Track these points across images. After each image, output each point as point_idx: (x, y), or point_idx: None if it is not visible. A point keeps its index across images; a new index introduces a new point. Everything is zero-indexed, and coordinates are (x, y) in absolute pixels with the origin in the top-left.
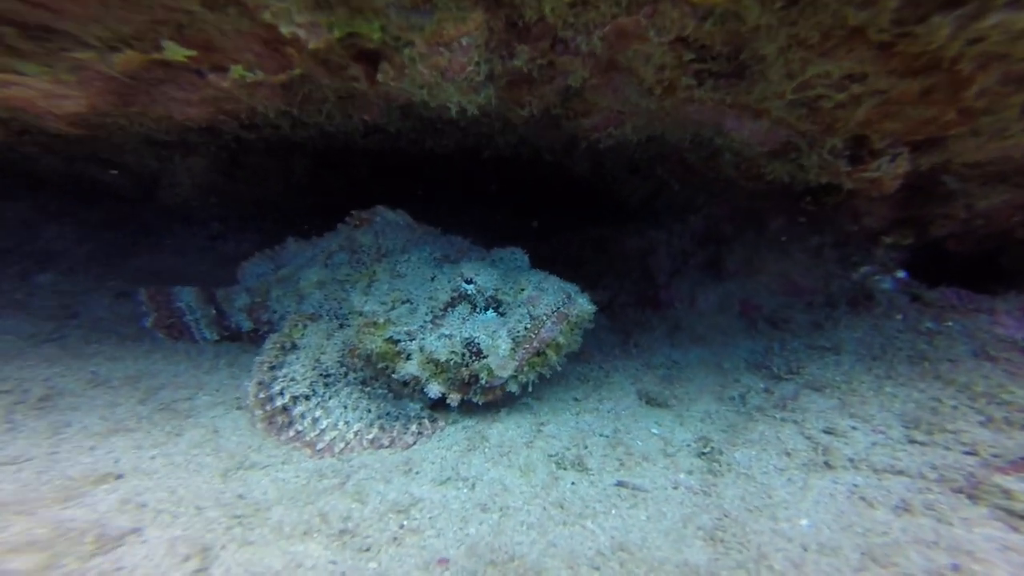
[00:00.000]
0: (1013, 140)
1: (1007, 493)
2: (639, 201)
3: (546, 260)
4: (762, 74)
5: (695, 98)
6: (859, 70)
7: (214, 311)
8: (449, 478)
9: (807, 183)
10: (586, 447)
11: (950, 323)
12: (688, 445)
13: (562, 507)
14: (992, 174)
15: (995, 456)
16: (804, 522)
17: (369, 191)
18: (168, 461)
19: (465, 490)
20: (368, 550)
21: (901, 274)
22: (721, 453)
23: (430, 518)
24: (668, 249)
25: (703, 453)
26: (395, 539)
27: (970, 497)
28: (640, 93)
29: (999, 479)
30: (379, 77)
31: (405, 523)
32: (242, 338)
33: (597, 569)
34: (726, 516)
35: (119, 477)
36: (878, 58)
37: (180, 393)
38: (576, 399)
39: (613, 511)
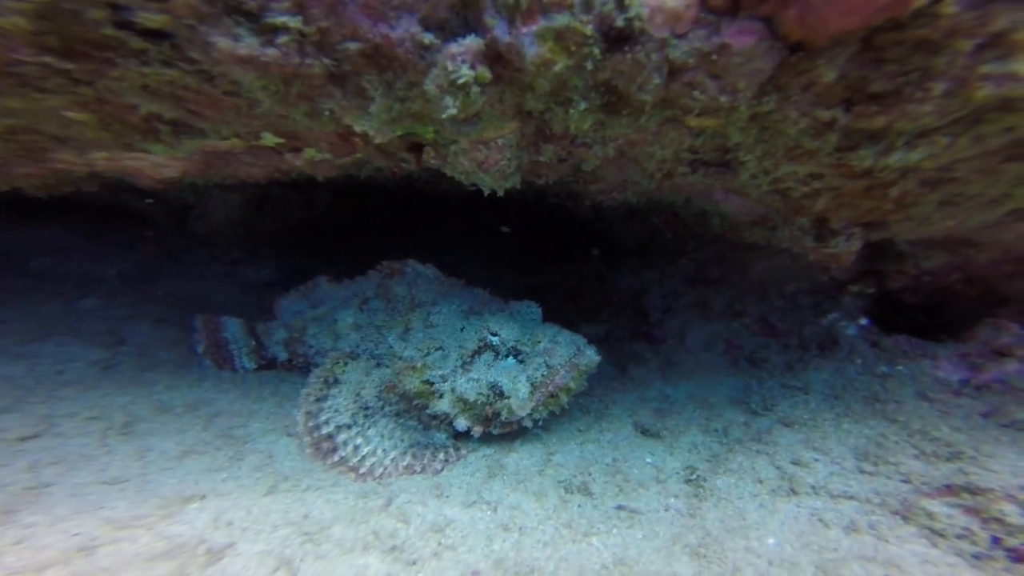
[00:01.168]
0: (935, 226)
1: (931, 515)
2: (635, 242)
3: (547, 289)
4: (744, 169)
5: (689, 181)
6: (818, 171)
7: (254, 342)
8: (475, 501)
9: (780, 248)
10: (590, 474)
11: (900, 367)
12: (677, 472)
13: (570, 527)
14: (931, 243)
15: (924, 484)
16: (771, 541)
17: (382, 221)
18: (239, 483)
19: (489, 512)
20: (415, 563)
21: (864, 321)
22: (705, 480)
23: (462, 536)
24: (660, 289)
25: (689, 480)
26: (435, 554)
27: (904, 518)
28: (642, 175)
29: (925, 503)
30: (424, 158)
31: (443, 540)
32: (276, 367)
33: None
34: (708, 535)
35: (203, 498)
36: (830, 166)
37: (235, 420)
38: (580, 430)
39: (614, 531)
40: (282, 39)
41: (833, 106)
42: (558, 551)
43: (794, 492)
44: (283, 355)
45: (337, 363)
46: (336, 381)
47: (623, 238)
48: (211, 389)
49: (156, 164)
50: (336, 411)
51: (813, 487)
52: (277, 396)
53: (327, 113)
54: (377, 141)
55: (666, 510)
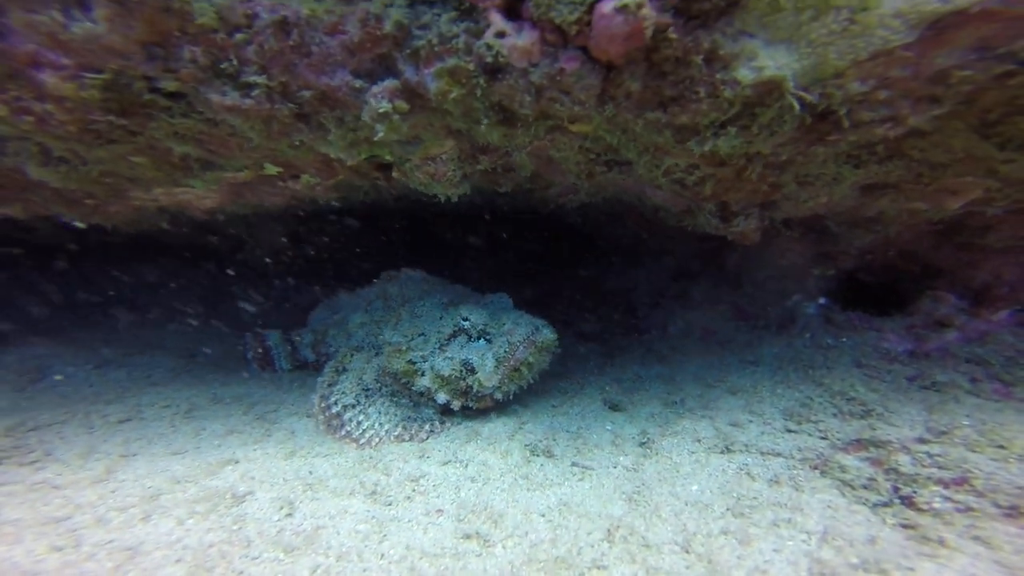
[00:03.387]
0: (811, 203)
1: (843, 468)
2: (623, 245)
3: (550, 295)
4: (637, 164)
5: (610, 179)
6: (693, 163)
7: (290, 347)
8: (450, 460)
9: (707, 232)
10: (554, 439)
11: (844, 339)
12: (633, 437)
13: (528, 479)
14: (845, 222)
15: (839, 439)
16: (695, 487)
17: (402, 241)
18: (265, 452)
19: (460, 468)
20: (391, 504)
21: (822, 300)
22: (653, 442)
23: (434, 485)
24: (647, 286)
25: (643, 443)
26: (408, 497)
27: (821, 472)
28: (575, 176)
29: (840, 457)
30: (393, 175)
31: (416, 488)
32: (308, 367)
33: (543, 515)
34: (643, 484)
35: (237, 462)
36: (695, 157)
37: (268, 407)
38: (553, 406)
39: (566, 483)
40: (255, 92)
41: (655, 108)
42: (513, 496)
43: (728, 450)
44: (311, 356)
45: (346, 355)
46: (344, 370)
47: (613, 242)
48: (254, 385)
49: (199, 196)
50: (343, 393)
51: (745, 445)
52: (303, 388)
53: (303, 143)
54: (349, 163)
55: (615, 467)
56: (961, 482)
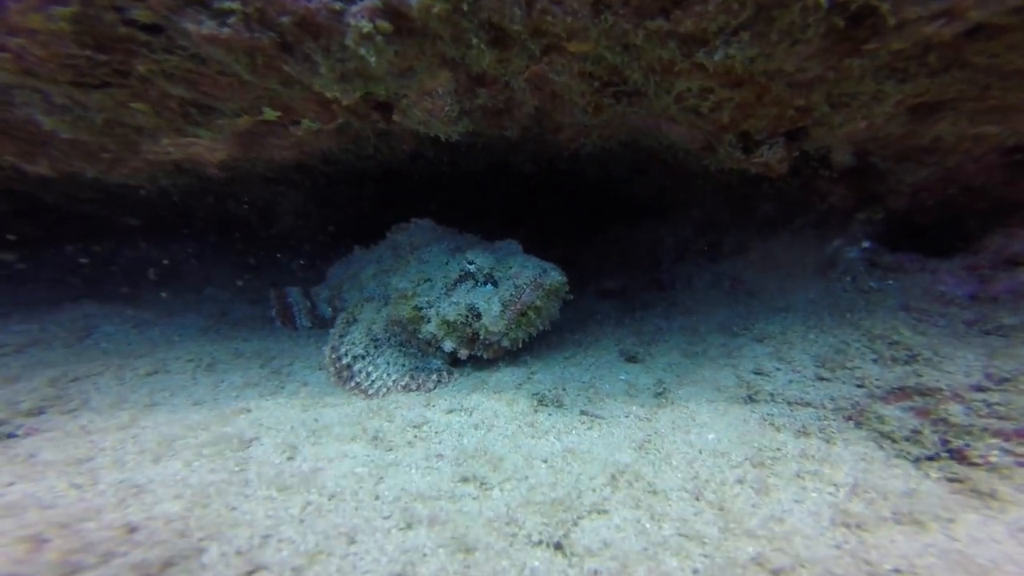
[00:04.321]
0: (847, 128)
1: (881, 418)
2: (648, 199)
3: (580, 256)
4: (650, 91)
5: (619, 112)
6: (707, 85)
7: (309, 304)
8: (454, 408)
9: (731, 170)
10: (564, 389)
11: (891, 282)
12: (648, 388)
13: (534, 426)
14: (893, 155)
15: (878, 387)
16: (711, 436)
17: (421, 207)
18: (276, 402)
19: (465, 416)
20: (391, 449)
21: (866, 244)
22: (670, 392)
23: (436, 432)
24: (673, 240)
25: (658, 393)
26: (409, 443)
27: (856, 423)
28: (581, 113)
29: (878, 407)
30: (394, 119)
31: (418, 434)
32: (327, 324)
33: (545, 461)
34: (656, 433)
35: (249, 411)
36: (709, 77)
37: (284, 361)
38: (566, 357)
39: (573, 432)
40: (232, 19)
41: (655, 15)
42: (516, 442)
43: (752, 399)
44: (328, 312)
45: (357, 306)
46: (355, 320)
47: (636, 195)
48: (273, 341)
49: (209, 148)
50: (353, 344)
51: (771, 394)
52: (320, 344)
53: (294, 80)
54: (345, 103)
55: (627, 416)
56: None
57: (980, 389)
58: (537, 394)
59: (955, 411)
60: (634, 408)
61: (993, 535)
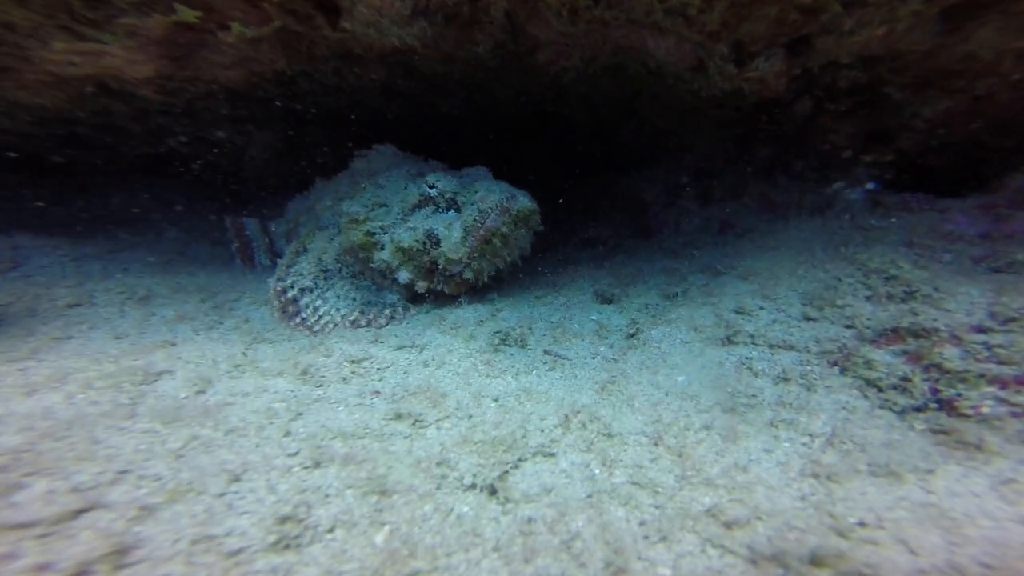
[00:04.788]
0: (861, 36)
1: (869, 364)
2: (639, 145)
3: (569, 206)
4: None
5: (600, 18)
6: None
7: (267, 240)
8: (404, 345)
9: (721, 91)
10: (530, 328)
11: (893, 220)
12: (620, 328)
13: (490, 364)
14: (912, 81)
15: (868, 328)
16: (681, 378)
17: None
18: (208, 337)
19: (415, 353)
20: (320, 385)
21: (870, 185)
22: (642, 332)
23: (378, 369)
24: (664, 185)
25: (631, 335)
26: (344, 379)
27: (841, 368)
28: (559, 20)
29: (866, 351)
30: (343, 23)
31: (356, 370)
32: None
33: (496, 400)
34: (622, 374)
35: (173, 345)
36: None
37: (230, 296)
38: (537, 296)
39: (533, 372)
40: None
41: None
42: (467, 380)
43: (730, 340)
44: (285, 247)
45: (308, 235)
46: (305, 250)
47: (626, 140)
48: (224, 277)
49: (127, 60)
50: (300, 275)
51: (751, 335)
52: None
53: None
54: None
55: (593, 357)
56: None
57: (981, 330)
58: (500, 332)
59: (951, 355)
60: (602, 349)
61: (973, 488)
